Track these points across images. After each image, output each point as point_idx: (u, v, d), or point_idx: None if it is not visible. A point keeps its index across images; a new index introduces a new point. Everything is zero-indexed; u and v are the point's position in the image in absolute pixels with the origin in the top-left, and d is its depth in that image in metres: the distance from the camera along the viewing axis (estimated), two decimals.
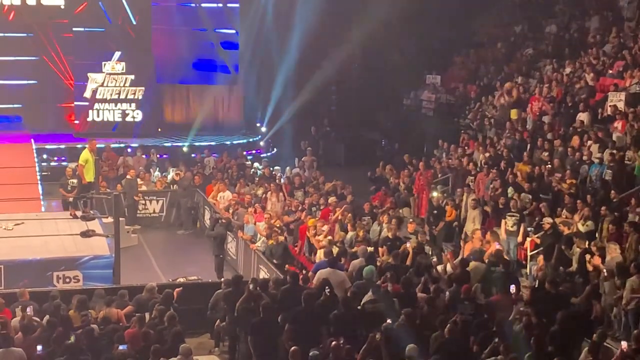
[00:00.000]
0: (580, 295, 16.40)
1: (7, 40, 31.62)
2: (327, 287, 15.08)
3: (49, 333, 14.03)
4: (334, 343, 12.95)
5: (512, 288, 15.67)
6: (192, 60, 33.65)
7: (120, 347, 13.62)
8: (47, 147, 30.31)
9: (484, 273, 17.07)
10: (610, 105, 23.47)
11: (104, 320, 14.98)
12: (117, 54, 31.98)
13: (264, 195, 24.98)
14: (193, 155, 30.82)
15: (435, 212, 23.10)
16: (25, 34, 31.71)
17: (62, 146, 30.57)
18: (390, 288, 15.63)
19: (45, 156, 29.78)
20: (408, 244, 18.74)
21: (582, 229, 18.81)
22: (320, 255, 19.93)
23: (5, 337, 13.46)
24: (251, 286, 15.49)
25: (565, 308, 14.77)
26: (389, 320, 13.89)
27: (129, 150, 30.20)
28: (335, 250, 19.18)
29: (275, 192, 24.60)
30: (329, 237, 20.47)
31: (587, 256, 17.23)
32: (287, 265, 19.92)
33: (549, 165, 22.33)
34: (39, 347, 13.48)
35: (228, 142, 32.38)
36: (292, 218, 23.21)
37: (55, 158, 30.05)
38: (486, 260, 18.16)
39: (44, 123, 31.96)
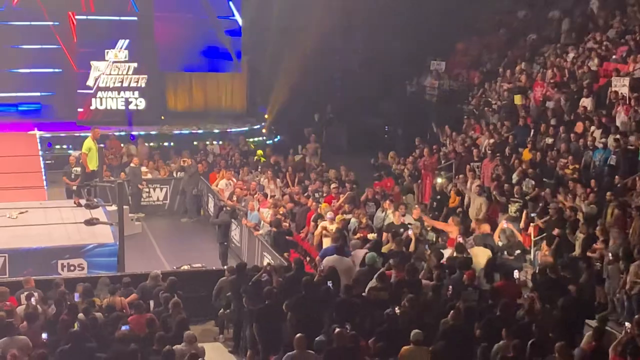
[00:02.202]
0: (579, 282, 16.43)
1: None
2: (329, 280, 15.18)
3: (54, 321, 14.10)
4: (337, 330, 12.98)
5: (516, 273, 15.71)
6: (195, 47, 33.63)
7: (123, 328, 13.67)
8: (51, 135, 30.34)
9: (487, 259, 17.08)
10: (612, 91, 23.45)
11: (108, 308, 15.04)
12: (120, 42, 31.95)
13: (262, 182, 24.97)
14: (194, 143, 30.85)
15: (438, 197, 23.09)
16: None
17: (66, 134, 30.60)
18: (395, 275, 15.66)
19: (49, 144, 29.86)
20: (410, 231, 18.74)
21: (586, 209, 18.84)
22: (316, 239, 19.98)
23: (10, 325, 13.53)
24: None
25: (566, 293, 14.81)
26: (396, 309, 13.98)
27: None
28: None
29: (272, 180, 24.58)
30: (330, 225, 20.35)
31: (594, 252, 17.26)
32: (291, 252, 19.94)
33: (554, 151, 22.33)
34: (44, 335, 13.54)
35: (231, 130, 32.37)
36: (293, 205, 23.15)
37: (59, 146, 30.12)
38: (496, 238, 18.26)
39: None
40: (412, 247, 18.10)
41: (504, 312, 13.90)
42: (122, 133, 30.44)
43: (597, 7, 29.16)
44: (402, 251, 17.61)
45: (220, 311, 16.77)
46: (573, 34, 29.13)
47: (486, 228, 18.96)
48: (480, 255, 17.12)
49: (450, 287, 15.10)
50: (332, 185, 23.35)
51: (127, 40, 31.89)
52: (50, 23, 32.06)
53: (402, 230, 19.11)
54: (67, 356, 12.85)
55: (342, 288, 15.13)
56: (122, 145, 29.02)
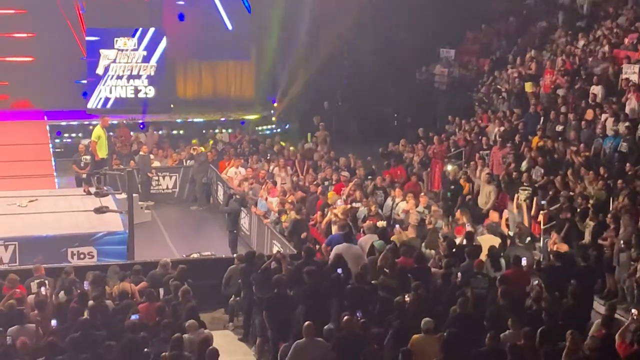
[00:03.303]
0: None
1: None
2: (338, 267, 15.19)
3: (64, 309, 14.13)
4: (346, 317, 12.98)
5: (524, 261, 15.69)
6: (204, 35, 33.55)
7: (133, 317, 13.70)
8: (60, 124, 30.41)
9: (496, 246, 17.06)
10: (623, 78, 23.35)
11: (120, 295, 15.06)
12: (129, 30, 31.92)
13: (273, 170, 24.95)
14: (203, 131, 30.87)
15: (452, 187, 23.00)
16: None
17: (75, 123, 30.64)
18: (401, 262, 15.66)
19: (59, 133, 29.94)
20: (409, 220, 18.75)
21: (596, 194, 18.79)
22: (324, 226, 19.99)
23: (20, 314, 13.57)
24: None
25: (575, 281, 14.81)
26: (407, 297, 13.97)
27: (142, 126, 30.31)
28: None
29: (284, 168, 24.56)
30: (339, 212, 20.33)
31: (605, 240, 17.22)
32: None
33: (564, 139, 22.28)
34: (54, 322, 13.57)
35: (241, 118, 32.37)
36: (303, 194, 23.13)
37: (69, 135, 30.18)
38: (504, 227, 18.22)
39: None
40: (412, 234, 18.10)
41: (506, 299, 13.90)
42: (141, 121, 30.54)
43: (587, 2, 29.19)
44: (411, 239, 17.64)
45: (230, 299, 16.82)
46: (585, 20, 29.00)
47: (494, 216, 18.95)
48: (490, 243, 17.08)
49: (459, 274, 15.09)
50: (343, 173, 23.34)
51: (137, 29, 31.85)
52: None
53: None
54: (77, 344, 12.87)
55: (353, 275, 15.14)
56: (131, 133, 29.04)
